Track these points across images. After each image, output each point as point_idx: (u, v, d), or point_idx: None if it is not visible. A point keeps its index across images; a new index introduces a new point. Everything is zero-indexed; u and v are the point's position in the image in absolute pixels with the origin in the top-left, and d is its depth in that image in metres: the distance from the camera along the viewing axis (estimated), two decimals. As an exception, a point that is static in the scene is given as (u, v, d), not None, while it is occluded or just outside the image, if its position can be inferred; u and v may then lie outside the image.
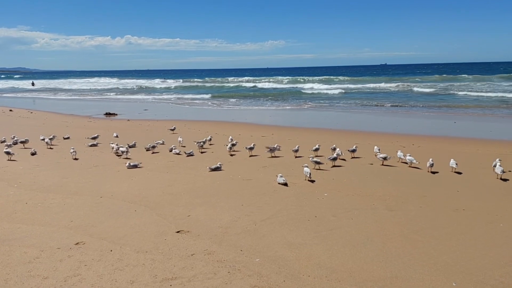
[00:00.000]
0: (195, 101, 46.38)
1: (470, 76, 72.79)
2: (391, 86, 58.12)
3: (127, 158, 14.95)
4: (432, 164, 12.70)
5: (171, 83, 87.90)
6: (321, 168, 13.10)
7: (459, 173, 12.54)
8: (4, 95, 63.69)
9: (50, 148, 17.31)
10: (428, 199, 10.04)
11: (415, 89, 52.25)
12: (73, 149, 15.33)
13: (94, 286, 5.96)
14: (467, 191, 10.68)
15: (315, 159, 13.34)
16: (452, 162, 12.67)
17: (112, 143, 16.83)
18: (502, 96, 38.92)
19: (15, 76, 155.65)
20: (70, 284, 6.02)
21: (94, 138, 18.70)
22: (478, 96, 40.95)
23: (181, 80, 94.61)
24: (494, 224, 8.40)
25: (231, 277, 6.20)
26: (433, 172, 12.65)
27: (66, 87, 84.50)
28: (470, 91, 45.75)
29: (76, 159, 15.00)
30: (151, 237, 7.75)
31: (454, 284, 6.04)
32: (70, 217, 8.82)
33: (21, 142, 17.58)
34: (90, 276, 6.23)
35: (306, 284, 6.02)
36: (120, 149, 15.50)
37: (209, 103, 43.99)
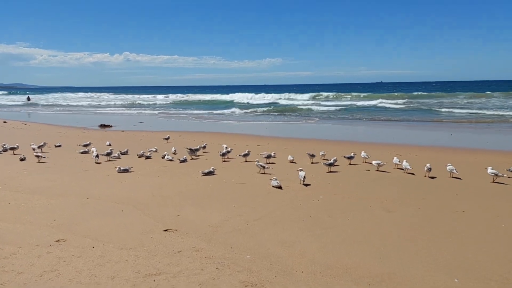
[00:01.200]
0: (191, 115, 46.17)
1: (464, 94, 73.10)
2: (388, 102, 58.21)
3: (97, 163, 14.71)
4: (430, 168, 12.44)
5: (168, 98, 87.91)
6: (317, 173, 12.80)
7: (458, 178, 12.27)
8: None
9: (37, 155, 16.87)
10: (426, 201, 9.72)
11: (411, 105, 52.35)
12: (37, 152, 15.75)
13: (72, 281, 5.56)
14: (466, 195, 10.38)
15: (260, 163, 13.25)
16: (451, 167, 12.40)
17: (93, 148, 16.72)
18: (496, 114, 38.79)
19: None
20: (46, 279, 5.62)
21: (86, 145, 18.35)
22: (472, 112, 40.91)
23: (178, 95, 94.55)
24: (495, 224, 8.08)
25: (219, 273, 5.81)
26: (431, 177, 12.38)
27: (62, 102, 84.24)
28: (463, 108, 45.84)
29: (41, 162, 14.89)
30: (137, 234, 7.37)
31: (456, 280, 5.68)
32: (53, 216, 8.43)
33: (11, 148, 17.19)
34: (68, 272, 5.83)
35: (299, 280, 5.65)
36: (93, 152, 15.34)
37: (206, 116, 43.79)
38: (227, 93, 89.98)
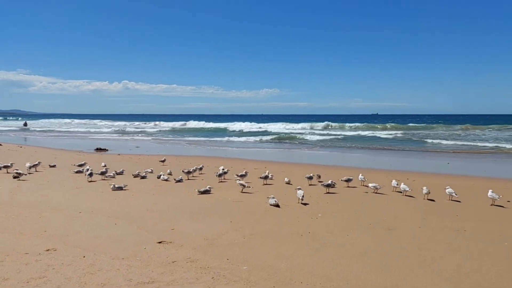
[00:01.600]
0: (188, 141, 46.09)
1: (459, 125, 73.81)
2: (383, 133, 58.60)
3: (91, 181, 14.57)
4: (428, 191, 12.32)
5: (166, 125, 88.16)
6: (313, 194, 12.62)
7: (457, 201, 12.13)
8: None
9: (30, 173, 16.65)
10: (427, 221, 9.54)
11: (406, 135, 52.66)
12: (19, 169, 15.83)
13: (60, 287, 5.29)
14: (467, 216, 10.22)
15: (241, 181, 13.38)
16: (450, 190, 12.30)
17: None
18: (491, 146, 38.93)
19: None
20: (33, 285, 5.35)
21: (80, 165, 18.14)
22: (467, 144, 41.08)
23: (176, 123, 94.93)
24: (498, 242, 7.90)
25: (214, 282, 5.57)
26: (430, 200, 12.23)
27: (59, 127, 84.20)
28: (457, 139, 46.09)
29: (21, 180, 14.68)
30: (130, 246, 7.12)
31: (461, 293, 5.46)
32: (44, 228, 8.17)
33: (5, 167, 16.94)
34: (57, 278, 5.56)
35: (298, 290, 5.41)
36: (88, 170, 15.48)
37: (203, 143, 43.72)
38: (225, 122, 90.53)
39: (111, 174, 15.87)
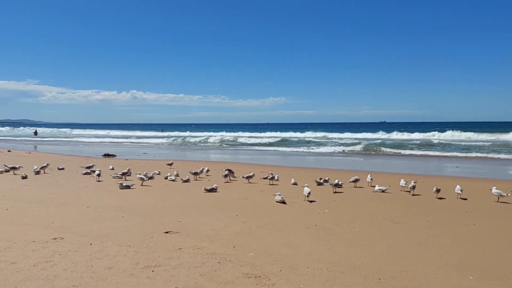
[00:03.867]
0: (195, 147, 46.20)
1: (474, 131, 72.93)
2: (390, 137, 58.20)
3: (99, 181, 14.73)
4: (439, 189, 12.20)
5: (171, 134, 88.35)
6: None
7: (464, 199, 12.00)
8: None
9: (37, 174, 16.80)
10: (435, 216, 9.43)
11: (415, 150, 52.21)
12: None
13: (67, 270, 5.30)
14: (476, 212, 10.09)
15: (141, 175, 14.15)
16: (458, 188, 12.18)
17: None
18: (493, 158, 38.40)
19: None
20: (40, 268, 5.37)
21: (89, 167, 18.27)
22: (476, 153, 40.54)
23: (184, 132, 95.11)
24: (507, 236, 7.78)
25: (221, 266, 5.54)
26: (439, 198, 12.10)
27: (67, 135, 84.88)
28: (463, 147, 45.59)
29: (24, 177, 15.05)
30: (137, 235, 7.13)
31: (471, 278, 5.37)
32: (51, 220, 8.22)
33: (12, 168, 17.11)
34: (64, 263, 5.59)
35: (305, 274, 5.36)
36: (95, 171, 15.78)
37: (209, 148, 43.78)
38: (230, 131, 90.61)
39: (126, 171, 16.08)
